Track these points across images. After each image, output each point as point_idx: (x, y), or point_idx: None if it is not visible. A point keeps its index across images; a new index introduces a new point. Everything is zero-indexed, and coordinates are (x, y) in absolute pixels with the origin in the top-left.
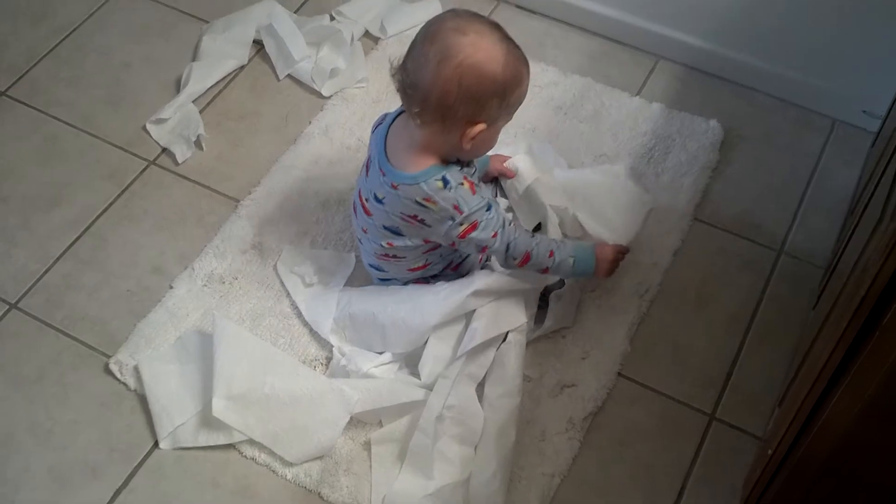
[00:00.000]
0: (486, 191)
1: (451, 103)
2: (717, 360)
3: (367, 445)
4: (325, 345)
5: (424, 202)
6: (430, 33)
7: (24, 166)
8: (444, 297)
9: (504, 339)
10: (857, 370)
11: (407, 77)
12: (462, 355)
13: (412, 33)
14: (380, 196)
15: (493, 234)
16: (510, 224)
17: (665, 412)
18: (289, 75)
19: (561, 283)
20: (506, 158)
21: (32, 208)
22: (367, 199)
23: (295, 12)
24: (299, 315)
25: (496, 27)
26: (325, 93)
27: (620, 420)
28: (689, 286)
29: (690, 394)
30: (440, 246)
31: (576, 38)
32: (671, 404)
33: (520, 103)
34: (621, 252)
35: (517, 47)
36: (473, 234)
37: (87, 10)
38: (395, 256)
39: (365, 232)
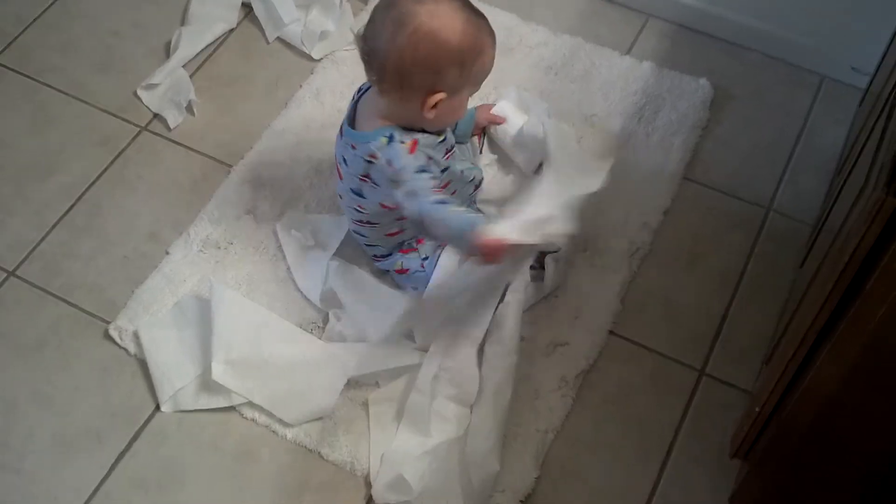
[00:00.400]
0: (459, 162)
1: (407, 71)
2: (707, 318)
3: (366, 406)
4: (320, 309)
5: (370, 158)
6: (388, 1)
7: (17, 135)
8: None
9: (502, 300)
10: (841, 335)
11: (365, 44)
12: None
13: None
14: (346, 158)
15: (417, 206)
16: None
17: (656, 369)
18: (278, 38)
19: (556, 248)
20: (491, 107)
21: (27, 177)
22: (339, 163)
23: None
24: (295, 280)
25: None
26: (314, 55)
27: (612, 377)
28: (679, 245)
29: (681, 350)
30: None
31: None
32: (662, 361)
33: (485, 73)
34: (500, 248)
35: (480, 16)
36: (402, 197)
37: None
38: (369, 222)
39: (341, 197)
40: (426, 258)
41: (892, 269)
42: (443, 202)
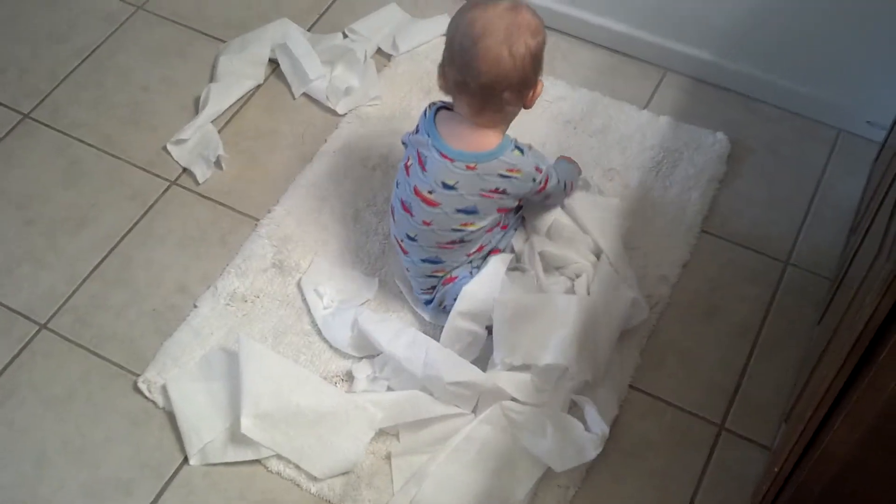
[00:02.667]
0: None
1: (528, 72)
2: (726, 371)
3: (388, 459)
4: (345, 361)
5: (509, 173)
6: (477, 31)
7: (49, 189)
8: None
9: None
10: (856, 402)
11: (481, 77)
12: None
13: (424, 50)
14: (450, 182)
15: (556, 179)
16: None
17: (675, 423)
18: (304, 94)
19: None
20: None
21: (59, 230)
22: (430, 192)
23: (308, 30)
24: (319, 332)
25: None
26: (339, 111)
27: (632, 431)
28: (697, 298)
29: (700, 405)
30: (498, 224)
31: (584, 51)
32: (681, 415)
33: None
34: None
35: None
36: (550, 185)
37: (105, 32)
38: (461, 241)
39: (428, 225)
40: (476, 267)
41: None
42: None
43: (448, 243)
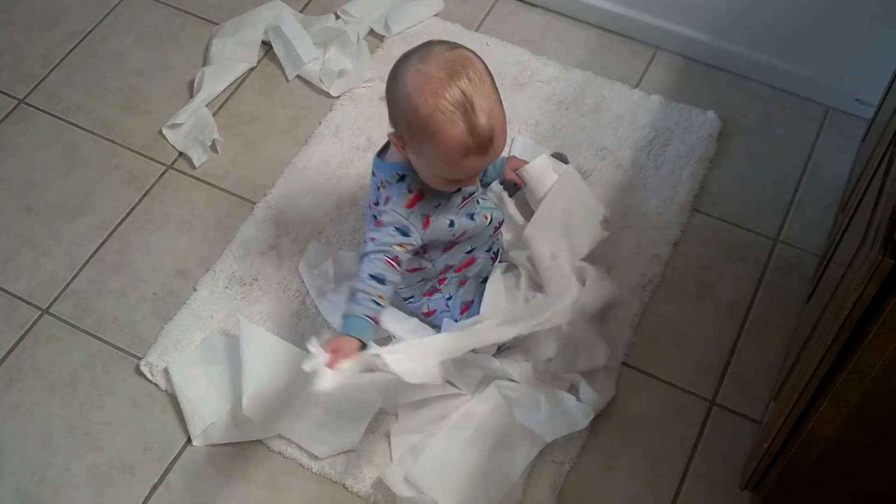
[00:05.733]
0: (481, 201)
1: (388, 104)
2: (717, 348)
3: (387, 437)
4: None
5: (380, 185)
6: (430, 41)
7: (46, 174)
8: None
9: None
10: (841, 383)
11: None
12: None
13: (417, 31)
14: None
15: (371, 237)
16: (380, 259)
17: (668, 399)
18: (298, 76)
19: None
20: (521, 163)
21: (57, 216)
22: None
23: (300, 11)
24: (318, 314)
25: (462, 92)
26: (333, 93)
27: (625, 407)
28: (689, 276)
29: (692, 381)
30: (418, 271)
31: (576, 31)
32: (673, 391)
33: (445, 166)
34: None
35: (466, 120)
36: (376, 235)
37: (98, 15)
38: None
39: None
40: (450, 297)
41: (888, 325)
42: (377, 277)
43: None
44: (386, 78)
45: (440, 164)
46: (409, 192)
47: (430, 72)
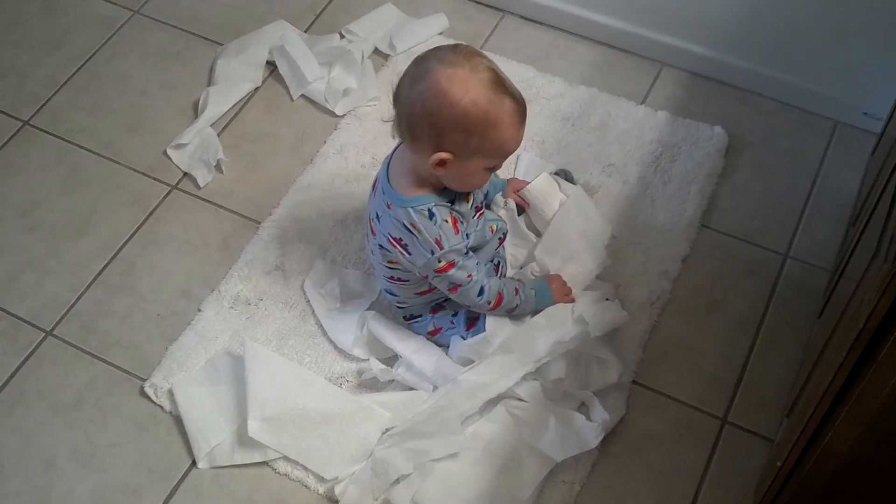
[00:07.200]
0: (476, 224)
1: (415, 124)
2: (728, 365)
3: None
4: (349, 362)
5: (411, 227)
6: (420, 57)
7: (50, 195)
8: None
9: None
10: (857, 399)
11: (394, 94)
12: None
13: (421, 49)
14: (380, 214)
15: (468, 274)
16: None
17: (679, 417)
18: (302, 95)
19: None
20: (522, 184)
21: (61, 237)
22: (372, 219)
23: (305, 31)
24: (324, 334)
25: (490, 69)
26: (338, 112)
27: (636, 426)
28: (698, 293)
29: (702, 398)
30: (427, 294)
31: (581, 47)
32: (684, 409)
33: (501, 148)
34: (561, 278)
35: (506, 93)
36: (450, 272)
37: (103, 36)
38: (399, 279)
39: (373, 253)
40: (455, 314)
41: None
42: (486, 287)
43: (388, 278)
44: (392, 98)
45: (500, 147)
46: (447, 221)
47: (458, 72)
